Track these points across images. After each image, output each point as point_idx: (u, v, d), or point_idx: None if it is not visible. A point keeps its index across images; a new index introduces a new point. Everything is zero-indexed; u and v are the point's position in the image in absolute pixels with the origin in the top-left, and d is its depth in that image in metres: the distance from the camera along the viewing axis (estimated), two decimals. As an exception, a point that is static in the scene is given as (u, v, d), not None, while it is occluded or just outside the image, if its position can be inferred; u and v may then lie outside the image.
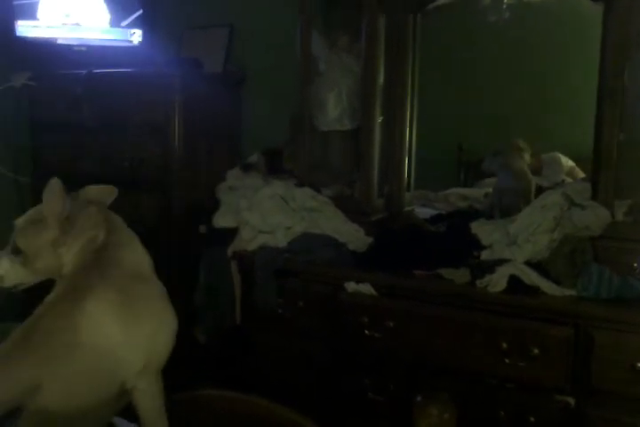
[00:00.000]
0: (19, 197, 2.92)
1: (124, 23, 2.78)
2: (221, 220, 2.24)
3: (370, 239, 2.11)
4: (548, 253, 1.83)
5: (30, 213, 1.33)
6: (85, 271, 1.25)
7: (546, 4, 2.27)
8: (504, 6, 2.32)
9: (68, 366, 1.14)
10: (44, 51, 2.74)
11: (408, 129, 2.25)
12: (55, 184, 1.26)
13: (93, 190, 1.39)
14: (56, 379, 1.13)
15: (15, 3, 2.65)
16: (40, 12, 2.69)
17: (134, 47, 2.82)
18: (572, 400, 1.65)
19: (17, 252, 1.28)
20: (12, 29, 2.68)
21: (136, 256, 1.32)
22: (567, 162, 2.35)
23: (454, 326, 1.78)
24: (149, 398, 1.23)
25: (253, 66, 2.77)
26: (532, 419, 1.68)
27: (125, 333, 1.19)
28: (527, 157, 2.26)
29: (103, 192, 1.40)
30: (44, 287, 1.31)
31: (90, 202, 1.34)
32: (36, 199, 2.95)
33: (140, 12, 2.78)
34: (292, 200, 2.18)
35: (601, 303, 1.69)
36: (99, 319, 1.17)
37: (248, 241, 2.15)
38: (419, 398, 1.28)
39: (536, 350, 1.65)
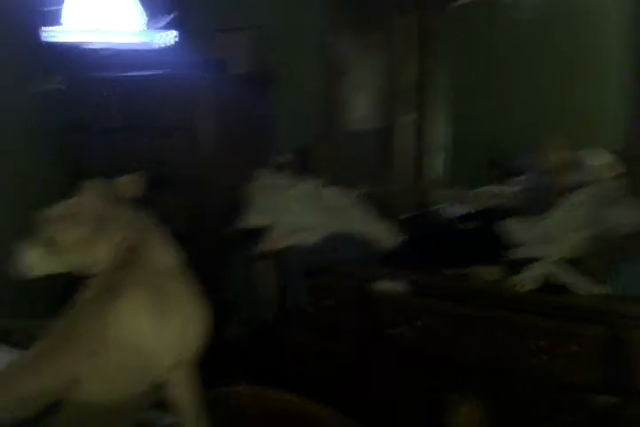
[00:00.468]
0: (48, 197, 2.99)
1: (154, 26, 2.80)
2: (252, 219, 2.26)
3: (399, 238, 2.11)
4: (580, 251, 1.81)
5: (64, 205, 1.33)
6: (117, 271, 1.28)
7: (575, 1, 2.24)
8: (531, 3, 2.29)
9: (104, 361, 1.18)
10: (74, 55, 2.79)
11: (438, 127, 2.25)
12: (98, 184, 1.29)
13: (123, 182, 1.41)
14: (94, 374, 1.17)
15: (41, 9, 2.70)
16: (67, 17, 2.74)
17: (164, 49, 2.84)
18: (609, 400, 1.62)
19: (50, 243, 1.28)
20: (39, 35, 2.73)
21: (166, 254, 1.34)
22: (605, 158, 2.30)
23: (485, 324, 1.77)
24: (183, 391, 1.25)
25: (282, 66, 2.78)
26: (569, 418, 1.66)
27: (156, 329, 1.22)
28: (562, 153, 2.23)
29: (132, 182, 1.42)
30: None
31: (121, 199, 1.36)
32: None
33: (171, 14, 2.81)
34: (321, 199, 2.19)
35: (635, 301, 1.66)
36: (130, 317, 1.21)
37: (278, 240, 2.17)
38: (450, 397, 1.28)
39: (569, 349, 1.63)
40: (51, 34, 2.70)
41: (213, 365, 1.67)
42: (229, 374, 2.21)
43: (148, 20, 2.60)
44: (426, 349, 1.87)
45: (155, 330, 1.22)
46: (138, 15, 2.48)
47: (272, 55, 2.79)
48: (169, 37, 2.79)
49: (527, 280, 1.77)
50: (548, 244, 1.83)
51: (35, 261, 1.30)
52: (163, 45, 2.82)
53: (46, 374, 1.15)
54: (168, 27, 2.80)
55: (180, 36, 2.85)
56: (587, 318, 1.66)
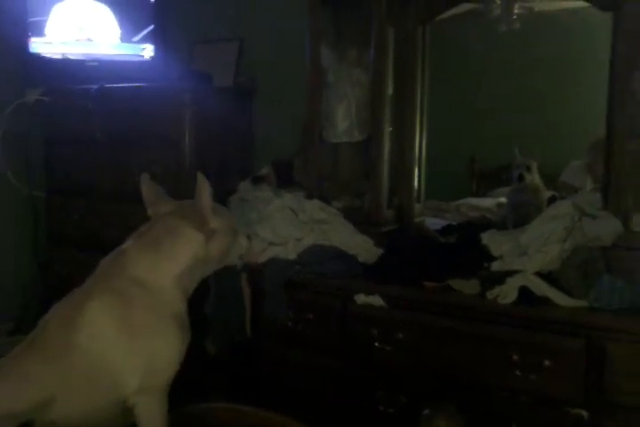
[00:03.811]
0: (33, 210, 2.96)
1: (136, 38, 2.82)
2: (232, 232, 2.24)
3: (379, 251, 2.11)
4: (559, 264, 1.81)
5: None
6: (96, 275, 1.29)
7: (556, 14, 2.26)
8: (514, 17, 2.31)
9: (68, 367, 1.16)
10: (58, 67, 2.78)
11: (418, 140, 2.25)
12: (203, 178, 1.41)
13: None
14: (63, 389, 1.15)
15: (29, 20, 2.70)
16: (52, 29, 2.74)
17: (146, 62, 2.86)
18: (585, 413, 1.62)
19: None
20: (25, 46, 2.72)
21: (148, 270, 1.32)
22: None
23: (464, 337, 1.77)
24: (149, 418, 1.22)
25: (264, 79, 2.79)
26: (548, 432, 1.66)
27: (121, 338, 1.20)
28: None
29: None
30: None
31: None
32: (50, 212, 2.97)
33: (152, 27, 2.82)
34: (301, 212, 2.18)
35: (613, 314, 1.67)
36: (95, 320, 1.19)
37: (259, 253, 2.15)
38: (425, 411, 1.27)
39: (547, 362, 1.63)
40: (39, 45, 2.71)
41: (192, 380, 1.65)
42: (208, 389, 2.19)
43: (125, 34, 2.60)
44: (408, 362, 1.86)
45: (120, 337, 1.20)
46: (115, 28, 2.48)
47: (253, 68, 2.79)
48: (147, 50, 2.80)
49: (507, 293, 1.77)
50: (527, 256, 1.84)
51: None
52: (146, 58, 2.83)
53: (15, 383, 1.13)
54: (148, 39, 2.81)
55: (161, 48, 2.86)
56: (565, 331, 1.65)
